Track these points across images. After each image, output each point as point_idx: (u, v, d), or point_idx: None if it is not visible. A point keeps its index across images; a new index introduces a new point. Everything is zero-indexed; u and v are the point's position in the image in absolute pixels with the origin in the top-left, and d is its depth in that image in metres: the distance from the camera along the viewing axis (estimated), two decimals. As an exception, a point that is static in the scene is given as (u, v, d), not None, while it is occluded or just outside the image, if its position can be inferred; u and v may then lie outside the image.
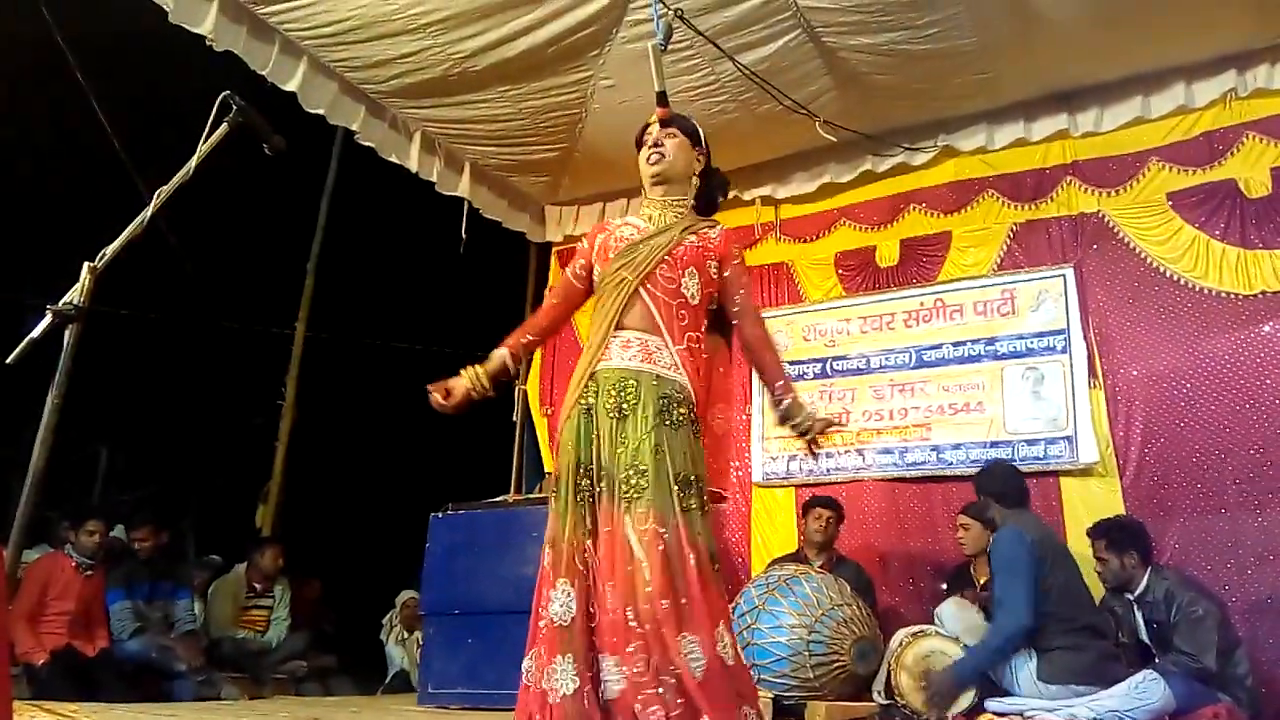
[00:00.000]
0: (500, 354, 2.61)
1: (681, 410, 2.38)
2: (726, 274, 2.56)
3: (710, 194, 2.71)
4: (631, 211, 6.17)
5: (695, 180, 2.67)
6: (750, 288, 2.65)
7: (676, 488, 2.28)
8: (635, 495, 2.27)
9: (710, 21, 4.47)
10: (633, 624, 2.18)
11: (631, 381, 2.39)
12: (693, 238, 2.53)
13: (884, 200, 5.70)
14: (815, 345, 5.64)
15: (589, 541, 2.32)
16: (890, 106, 5.25)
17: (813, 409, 2.51)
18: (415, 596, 6.32)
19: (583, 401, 2.44)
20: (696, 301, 2.49)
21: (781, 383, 2.52)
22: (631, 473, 2.29)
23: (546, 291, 2.82)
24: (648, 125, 2.67)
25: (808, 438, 2.47)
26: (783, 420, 2.53)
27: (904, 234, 5.58)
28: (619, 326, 2.47)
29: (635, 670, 2.15)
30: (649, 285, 2.47)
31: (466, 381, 2.57)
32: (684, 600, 2.19)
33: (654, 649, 2.15)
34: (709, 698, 2.12)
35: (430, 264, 7.81)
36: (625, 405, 2.37)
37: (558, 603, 2.29)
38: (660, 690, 2.13)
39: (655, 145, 2.62)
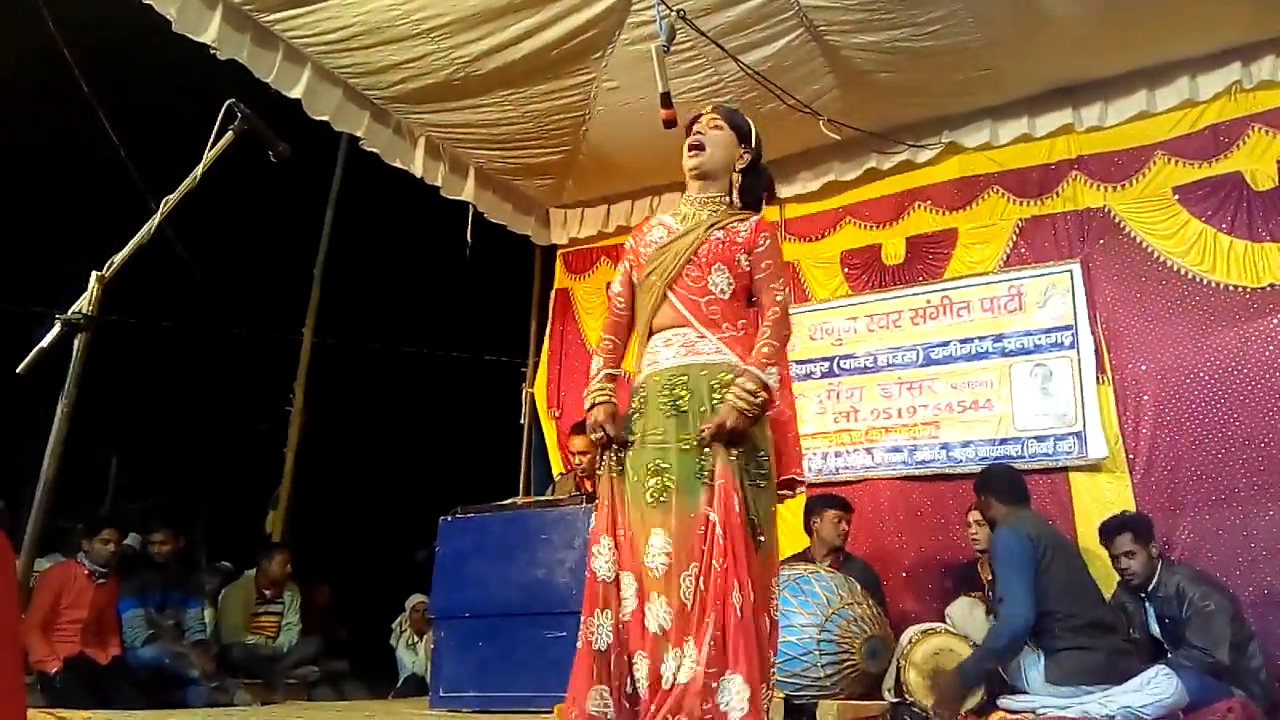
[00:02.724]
0: (609, 382, 2.58)
1: None
2: (749, 265, 2.50)
3: (753, 190, 2.65)
4: (641, 211, 6.27)
5: (736, 176, 2.61)
6: (772, 272, 2.49)
7: (745, 465, 2.30)
8: (710, 482, 2.28)
9: (713, 22, 4.47)
10: (727, 612, 2.19)
11: (681, 378, 2.41)
12: (719, 234, 2.50)
13: (889, 198, 5.69)
14: (822, 344, 5.63)
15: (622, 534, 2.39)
16: (894, 104, 5.25)
17: (737, 403, 2.29)
18: (424, 600, 6.34)
19: (635, 409, 2.47)
20: (728, 296, 2.47)
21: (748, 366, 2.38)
22: (704, 460, 2.31)
23: (610, 294, 2.77)
24: (699, 116, 2.66)
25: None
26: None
27: (910, 231, 5.58)
28: (653, 331, 2.51)
29: (714, 654, 2.18)
30: (676, 287, 2.48)
31: (604, 409, 2.50)
32: (755, 572, 2.23)
33: (741, 635, 2.17)
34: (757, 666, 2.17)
35: (436, 268, 7.84)
36: (680, 402, 2.38)
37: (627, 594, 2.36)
38: (737, 674, 2.16)
39: (698, 135, 2.60)
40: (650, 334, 2.52)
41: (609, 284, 2.84)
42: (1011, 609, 3.80)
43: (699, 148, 2.58)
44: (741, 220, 2.54)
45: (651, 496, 2.34)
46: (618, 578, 2.37)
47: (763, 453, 2.37)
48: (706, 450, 2.31)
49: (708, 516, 2.26)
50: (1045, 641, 3.83)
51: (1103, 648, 3.80)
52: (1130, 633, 4.08)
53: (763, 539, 2.30)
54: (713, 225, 2.51)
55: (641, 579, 2.33)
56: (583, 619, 2.39)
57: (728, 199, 2.61)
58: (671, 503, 2.31)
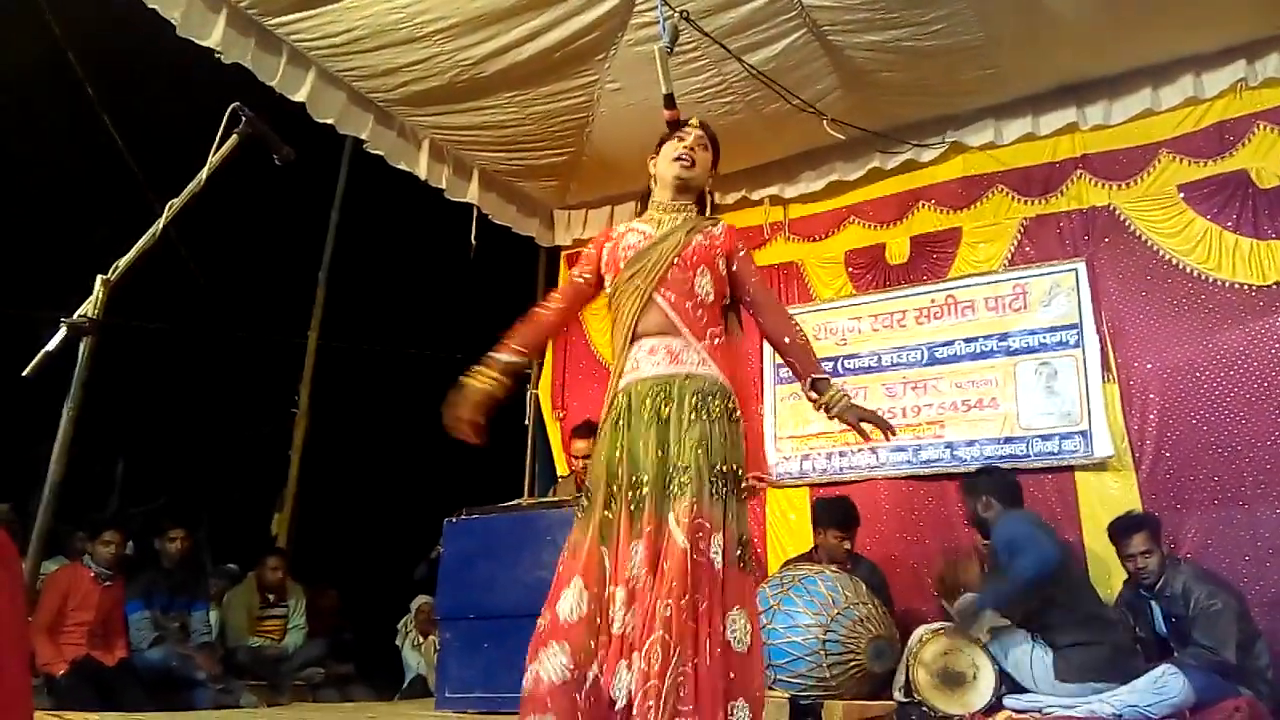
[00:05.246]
0: (508, 358, 2.59)
1: (717, 403, 2.41)
2: (735, 268, 2.59)
3: (707, 205, 2.78)
4: (637, 215, 6.27)
5: (707, 195, 2.76)
6: (761, 278, 2.69)
7: (718, 480, 2.33)
8: (679, 492, 2.29)
9: (716, 22, 4.47)
10: (668, 616, 2.17)
11: (664, 388, 2.43)
12: (699, 237, 2.56)
13: (893, 197, 5.68)
14: (826, 344, 5.62)
15: (605, 547, 2.34)
16: (897, 103, 5.24)
17: (846, 395, 2.55)
18: (430, 602, 6.34)
19: (616, 416, 2.46)
20: (712, 300, 2.53)
21: (812, 378, 2.56)
22: (675, 472, 2.32)
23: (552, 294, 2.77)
24: (686, 122, 2.71)
25: (851, 423, 2.52)
26: (826, 410, 2.55)
27: (914, 231, 5.57)
28: (637, 335, 2.50)
29: (651, 662, 2.14)
30: (663, 289, 2.50)
31: (484, 385, 2.55)
32: (711, 590, 2.22)
33: (677, 642, 2.15)
34: (707, 688, 2.15)
35: (441, 270, 7.84)
36: (662, 411, 2.40)
37: (567, 602, 2.30)
38: (666, 682, 2.13)
39: (689, 150, 2.64)
40: (634, 338, 2.51)
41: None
42: (1037, 552, 3.84)
43: (690, 164, 2.63)
44: (713, 224, 2.65)
45: (633, 507, 2.35)
46: (598, 601, 2.30)
47: (736, 467, 2.40)
48: (681, 464, 2.32)
49: (669, 534, 2.26)
50: (1050, 637, 3.83)
51: (1107, 642, 3.81)
52: (1137, 631, 4.07)
53: (745, 553, 2.35)
54: (691, 229, 2.58)
55: (631, 591, 2.30)
56: (534, 652, 2.28)
57: (694, 208, 2.69)
58: (645, 509, 2.31)
